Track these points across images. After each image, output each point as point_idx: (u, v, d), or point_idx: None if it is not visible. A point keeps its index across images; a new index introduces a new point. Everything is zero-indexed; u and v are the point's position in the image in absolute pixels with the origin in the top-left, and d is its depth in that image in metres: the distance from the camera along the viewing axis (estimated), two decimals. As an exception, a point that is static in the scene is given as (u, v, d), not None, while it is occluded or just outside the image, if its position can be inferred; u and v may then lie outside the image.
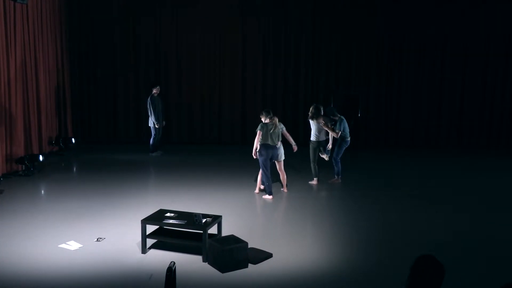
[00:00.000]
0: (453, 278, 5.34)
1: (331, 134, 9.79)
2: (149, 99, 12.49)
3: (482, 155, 13.61)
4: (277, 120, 8.79)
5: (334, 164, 10.06)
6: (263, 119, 8.78)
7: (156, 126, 12.52)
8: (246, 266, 5.72)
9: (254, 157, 8.85)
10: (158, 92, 12.66)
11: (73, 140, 13.10)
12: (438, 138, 14.73)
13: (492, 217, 7.91)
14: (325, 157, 9.83)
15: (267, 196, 8.79)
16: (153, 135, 12.68)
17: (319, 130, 9.65)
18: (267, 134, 8.65)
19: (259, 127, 8.74)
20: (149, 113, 12.49)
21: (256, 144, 8.75)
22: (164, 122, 13.00)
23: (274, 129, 8.68)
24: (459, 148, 14.49)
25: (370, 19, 14.24)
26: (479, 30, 14.20)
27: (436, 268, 2.86)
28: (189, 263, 5.81)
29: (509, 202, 8.88)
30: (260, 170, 8.88)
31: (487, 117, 14.57)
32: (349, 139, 9.90)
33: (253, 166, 11.49)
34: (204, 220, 6.10)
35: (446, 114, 14.60)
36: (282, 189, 9.30)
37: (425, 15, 14.20)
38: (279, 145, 8.84)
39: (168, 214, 6.41)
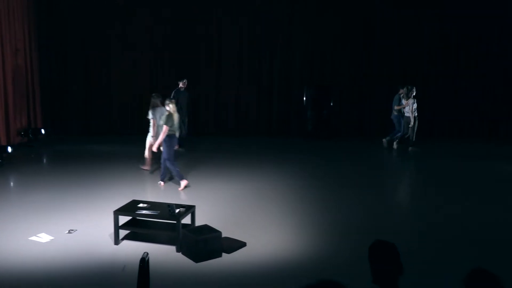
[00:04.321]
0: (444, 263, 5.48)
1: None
2: (173, 92, 11.83)
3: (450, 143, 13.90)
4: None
5: None
6: (171, 107, 8.31)
7: None
8: (220, 256, 5.74)
9: (156, 151, 8.52)
10: (185, 86, 12.06)
11: (43, 131, 12.83)
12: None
13: (484, 208, 7.85)
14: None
15: (184, 182, 8.53)
16: None
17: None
18: (173, 124, 8.38)
19: (166, 119, 8.22)
20: None
21: (162, 138, 8.32)
22: (186, 119, 12.22)
23: (175, 115, 8.43)
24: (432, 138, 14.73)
25: (347, 7, 14.28)
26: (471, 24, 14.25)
27: (387, 248, 2.94)
28: (162, 253, 5.80)
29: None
30: (167, 163, 8.52)
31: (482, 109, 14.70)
32: None
33: (228, 156, 11.49)
34: (177, 210, 6.09)
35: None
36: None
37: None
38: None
39: (141, 205, 6.37)
